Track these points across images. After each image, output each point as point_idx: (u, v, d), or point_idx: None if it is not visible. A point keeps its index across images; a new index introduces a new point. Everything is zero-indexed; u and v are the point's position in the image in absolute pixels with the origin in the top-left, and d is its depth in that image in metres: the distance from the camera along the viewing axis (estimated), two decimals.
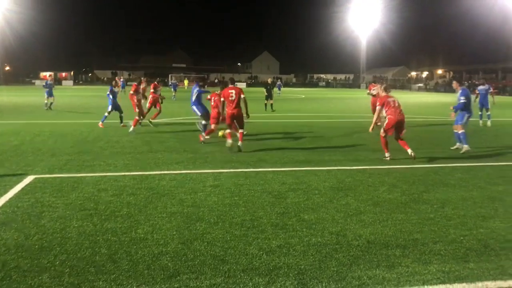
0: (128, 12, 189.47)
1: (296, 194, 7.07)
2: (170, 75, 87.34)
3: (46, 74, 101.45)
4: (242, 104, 11.42)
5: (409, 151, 10.12)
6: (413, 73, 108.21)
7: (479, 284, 4.12)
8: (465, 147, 11.54)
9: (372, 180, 8.15)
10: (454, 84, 12.75)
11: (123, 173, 8.44)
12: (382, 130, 10.35)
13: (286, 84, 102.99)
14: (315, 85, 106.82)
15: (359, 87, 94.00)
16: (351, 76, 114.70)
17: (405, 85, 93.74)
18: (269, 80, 28.68)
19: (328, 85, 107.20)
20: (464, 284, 4.09)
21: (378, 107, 10.43)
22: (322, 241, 5.08)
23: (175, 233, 5.29)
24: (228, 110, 11.44)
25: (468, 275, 4.27)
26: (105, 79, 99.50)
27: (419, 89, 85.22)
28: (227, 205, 6.41)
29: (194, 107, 13.96)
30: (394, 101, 10.31)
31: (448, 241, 5.15)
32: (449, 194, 7.20)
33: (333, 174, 8.63)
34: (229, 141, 11.25)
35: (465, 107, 11.95)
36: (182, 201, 6.61)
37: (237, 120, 11.44)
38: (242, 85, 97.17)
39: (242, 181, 7.87)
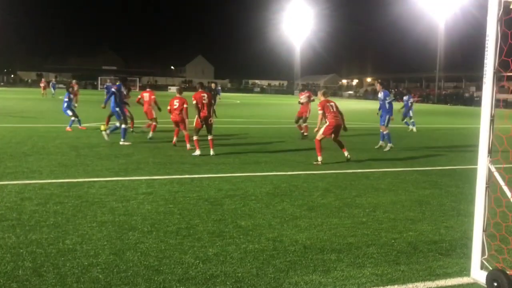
0: (55, 10, 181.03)
1: (233, 200, 7.01)
2: (99, 78, 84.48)
3: None
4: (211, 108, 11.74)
5: (346, 153, 10.89)
6: (344, 81, 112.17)
7: (410, 285, 4.25)
8: (389, 145, 13.09)
9: (306, 185, 8.27)
10: (378, 86, 13.83)
11: (49, 181, 7.98)
12: (319, 134, 10.72)
13: (221, 89, 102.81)
14: (250, 90, 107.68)
15: (293, 93, 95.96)
16: (285, 83, 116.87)
17: (336, 92, 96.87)
18: (213, 86, 28.21)
19: (263, 91, 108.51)
20: (396, 286, 4.21)
21: (319, 112, 10.83)
22: (259, 247, 5.05)
23: (106, 243, 5.03)
24: (202, 114, 11.49)
25: (400, 277, 4.40)
26: (29, 81, 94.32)
27: (350, 96, 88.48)
28: (161, 213, 6.22)
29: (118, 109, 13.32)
30: (332, 105, 10.84)
31: (380, 244, 5.30)
32: (380, 198, 7.45)
33: (269, 179, 8.67)
34: (198, 151, 11.33)
35: (390, 108, 13.28)
36: (113, 209, 6.33)
37: (209, 123, 11.67)
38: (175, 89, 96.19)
39: (177, 188, 7.70)
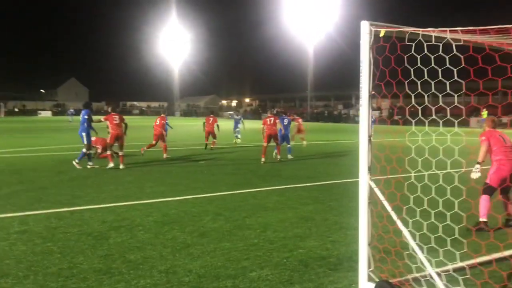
0: None
1: (119, 232, 6.61)
2: None
3: None
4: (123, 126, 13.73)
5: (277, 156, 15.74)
6: (224, 102, 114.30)
7: None
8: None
9: (196, 210, 8.13)
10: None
11: None
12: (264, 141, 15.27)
13: (97, 112, 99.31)
14: (128, 113, 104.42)
15: (173, 114, 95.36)
16: (165, 104, 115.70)
17: (217, 113, 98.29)
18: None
19: (142, 113, 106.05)
20: None
21: (262, 126, 15.46)
22: (151, 282, 4.78)
23: None
24: (114, 132, 13.45)
25: None
26: None
27: (230, 116, 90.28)
28: (38, 254, 5.63)
29: (84, 134, 13.48)
30: (270, 120, 15.33)
31: (274, 264, 5.36)
32: (269, 218, 7.58)
33: (156, 207, 8.36)
34: (112, 164, 13.34)
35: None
36: None
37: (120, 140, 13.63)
38: (47, 114, 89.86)
39: (55, 224, 7.05)
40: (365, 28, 4.39)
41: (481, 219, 6.79)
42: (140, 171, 13.14)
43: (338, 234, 6.66)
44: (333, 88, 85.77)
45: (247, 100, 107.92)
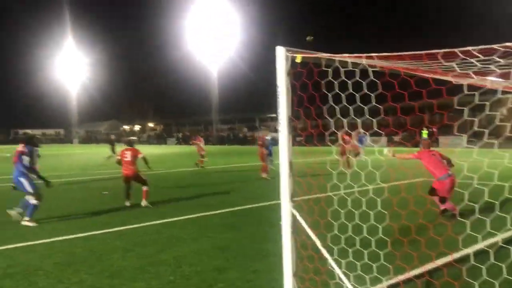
0: None
1: (14, 280, 5.82)
2: None
3: None
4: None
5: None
6: (126, 127, 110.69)
7: None
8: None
9: (103, 247, 7.48)
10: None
11: None
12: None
13: None
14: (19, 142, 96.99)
15: (71, 142, 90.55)
16: (62, 131, 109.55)
17: (119, 139, 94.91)
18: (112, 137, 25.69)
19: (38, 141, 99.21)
20: None
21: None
22: None
23: None
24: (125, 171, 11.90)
25: None
26: None
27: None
28: None
29: (23, 180, 9.51)
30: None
31: None
32: (184, 250, 7.18)
33: (57, 246, 7.57)
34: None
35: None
36: None
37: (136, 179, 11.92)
38: None
39: None
40: (281, 53, 4.32)
41: (453, 212, 8.84)
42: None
43: (259, 263, 6.45)
44: (237, 111, 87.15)
45: (151, 124, 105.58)
